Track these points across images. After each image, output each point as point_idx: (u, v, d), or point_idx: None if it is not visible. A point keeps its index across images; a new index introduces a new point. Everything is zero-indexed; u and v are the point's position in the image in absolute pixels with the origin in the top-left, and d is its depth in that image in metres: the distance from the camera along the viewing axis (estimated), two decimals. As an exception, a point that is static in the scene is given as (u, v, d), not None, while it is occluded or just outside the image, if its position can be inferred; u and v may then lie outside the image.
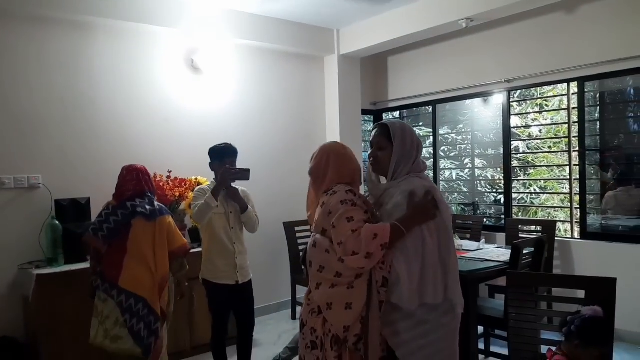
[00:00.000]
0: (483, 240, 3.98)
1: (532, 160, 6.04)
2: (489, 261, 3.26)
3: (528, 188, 5.86)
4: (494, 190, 5.65)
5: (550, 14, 4.22)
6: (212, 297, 3.11)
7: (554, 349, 1.96)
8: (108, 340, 2.69)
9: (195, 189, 3.18)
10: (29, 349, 3.34)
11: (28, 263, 3.47)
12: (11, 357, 3.28)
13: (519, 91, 4.95)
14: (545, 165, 5.82)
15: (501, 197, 4.96)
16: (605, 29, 3.93)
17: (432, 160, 5.44)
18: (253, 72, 4.82)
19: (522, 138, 5.30)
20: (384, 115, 5.98)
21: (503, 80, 4.57)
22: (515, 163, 5.09)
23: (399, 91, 5.65)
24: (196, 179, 4.15)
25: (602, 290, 2.06)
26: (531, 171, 5.81)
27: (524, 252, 3.19)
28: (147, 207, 2.82)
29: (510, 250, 3.12)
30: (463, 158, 5.91)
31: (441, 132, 5.57)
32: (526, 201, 6.12)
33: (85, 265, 3.39)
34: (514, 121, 4.93)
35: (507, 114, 4.71)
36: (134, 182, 2.87)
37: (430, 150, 5.51)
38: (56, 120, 3.73)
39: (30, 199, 3.58)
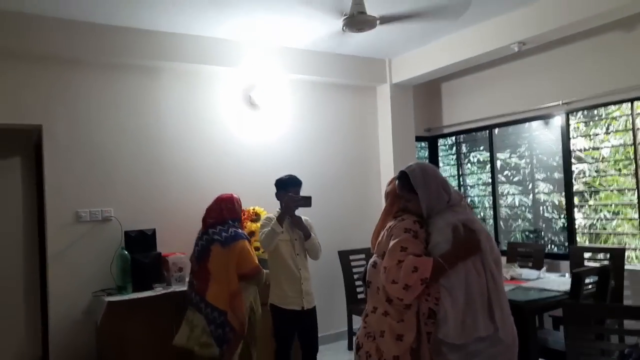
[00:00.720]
0: (544, 268, 3.84)
1: (600, 184, 5.75)
2: (548, 291, 3.15)
3: (598, 213, 5.57)
4: (562, 216, 5.42)
5: (607, 33, 4.09)
6: (279, 323, 3.24)
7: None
8: (198, 346, 3.12)
9: (263, 217, 3.41)
10: (100, 372, 3.57)
11: (101, 290, 3.73)
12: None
13: (579, 113, 4.79)
14: (614, 189, 5.52)
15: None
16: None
17: (490, 185, 5.32)
18: (307, 104, 4.99)
19: (587, 161, 5.08)
20: (440, 140, 5.95)
21: (561, 102, 4.45)
22: (580, 187, 4.89)
23: (453, 117, 5.62)
24: (254, 209, 4.32)
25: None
26: (601, 195, 5.53)
27: (587, 281, 3.06)
28: (223, 234, 3.21)
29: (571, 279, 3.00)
30: (528, 183, 5.71)
31: (502, 156, 5.46)
32: (597, 227, 5.81)
33: (151, 292, 3.63)
34: (579, 143, 4.76)
35: (566, 136, 4.56)
36: (216, 211, 3.31)
37: (489, 174, 5.40)
38: (127, 157, 4.03)
39: (103, 231, 3.88)
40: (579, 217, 4.87)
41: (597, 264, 3.97)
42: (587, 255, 4.27)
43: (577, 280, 2.90)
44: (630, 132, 4.17)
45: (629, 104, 4.10)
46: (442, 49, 4.68)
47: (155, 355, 3.51)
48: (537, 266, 4.16)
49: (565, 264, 4.39)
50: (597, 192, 5.43)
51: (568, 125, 4.56)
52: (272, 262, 3.30)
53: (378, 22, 3.29)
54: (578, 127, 4.58)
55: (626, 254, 4.23)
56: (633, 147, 4.13)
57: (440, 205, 1.97)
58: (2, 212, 4.67)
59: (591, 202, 5.08)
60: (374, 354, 1.92)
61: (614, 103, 4.26)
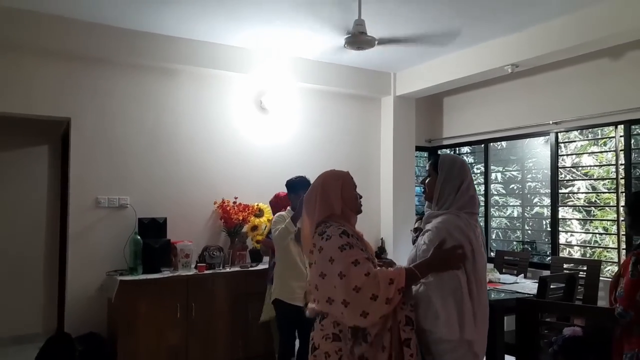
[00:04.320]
0: (522, 275, 4.12)
1: (589, 200, 5.99)
2: (520, 293, 3.44)
3: (595, 229, 5.79)
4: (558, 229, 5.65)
5: (595, 60, 4.37)
6: (285, 316, 3.41)
7: (547, 367, 2.17)
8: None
9: (275, 215, 3.61)
10: (109, 344, 3.92)
11: (114, 271, 4.09)
12: (94, 350, 3.87)
13: (573, 132, 5.05)
14: (598, 206, 5.75)
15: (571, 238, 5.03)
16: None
17: (483, 198, 5.60)
18: (314, 111, 5.33)
19: (578, 178, 5.34)
20: (439, 151, 6.25)
21: (551, 122, 4.73)
22: (577, 202, 5.16)
23: (453, 129, 5.92)
24: (258, 205, 4.67)
25: (602, 318, 2.24)
26: (596, 212, 5.75)
27: (555, 286, 3.34)
28: None
29: (541, 284, 3.28)
30: (531, 196, 5.95)
31: (507, 169, 5.73)
32: (591, 242, 6.04)
33: (159, 275, 3.99)
34: (572, 161, 5.03)
35: (555, 155, 4.84)
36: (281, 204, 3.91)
37: (483, 187, 5.68)
38: (144, 150, 4.41)
39: (119, 217, 4.25)
40: (577, 231, 5.13)
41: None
42: (567, 265, 4.53)
43: (542, 283, 3.19)
44: (614, 153, 4.43)
45: (614, 127, 4.37)
46: (443, 67, 5.00)
47: (160, 330, 3.87)
48: (521, 274, 4.43)
49: (547, 273, 4.65)
50: (588, 207, 5.67)
51: (557, 143, 4.84)
52: (281, 259, 3.48)
53: (376, 43, 3.61)
54: (562, 147, 4.84)
55: (607, 266, 4.49)
56: (615, 167, 4.38)
57: (451, 192, 2.02)
58: (29, 195, 5.10)
59: (579, 217, 5.33)
60: (334, 355, 1.87)
61: (600, 126, 4.54)
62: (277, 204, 4.00)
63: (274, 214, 3.82)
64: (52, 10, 3.85)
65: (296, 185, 3.57)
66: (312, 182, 3.57)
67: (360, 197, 2.19)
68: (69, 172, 4.15)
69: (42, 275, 5.12)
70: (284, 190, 3.79)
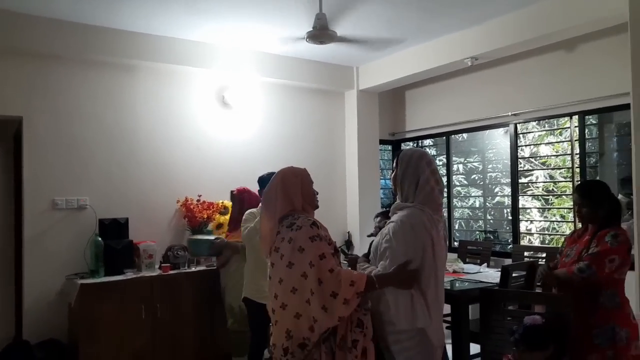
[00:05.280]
0: (485, 264, 4.22)
1: (553, 189, 6.19)
2: (483, 282, 3.51)
3: (553, 216, 5.98)
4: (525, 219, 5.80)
5: (551, 52, 4.50)
6: (255, 315, 3.37)
7: (510, 355, 2.23)
8: None
9: (246, 212, 3.57)
10: (70, 350, 3.80)
11: (74, 274, 3.96)
12: (55, 357, 3.75)
13: (531, 123, 5.18)
14: (556, 194, 5.96)
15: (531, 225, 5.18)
16: (604, 66, 4.17)
17: (446, 189, 5.69)
18: (278, 106, 5.29)
19: (536, 168, 5.50)
20: (402, 144, 6.32)
21: (510, 113, 4.85)
22: (536, 192, 5.31)
23: (416, 122, 5.99)
24: (222, 202, 4.60)
25: (560, 305, 2.31)
26: (554, 201, 5.94)
27: (517, 274, 3.44)
28: None
29: (504, 273, 3.37)
30: (492, 186, 6.10)
31: (469, 160, 5.83)
32: (549, 230, 6.25)
33: (122, 277, 3.88)
34: (530, 151, 5.17)
35: (514, 145, 4.97)
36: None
37: (445, 178, 5.78)
38: (103, 149, 4.28)
39: (78, 218, 4.11)
40: (537, 219, 5.28)
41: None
42: (527, 253, 4.67)
43: (505, 273, 3.27)
44: (570, 143, 4.57)
45: (569, 118, 4.51)
46: (404, 61, 5.05)
47: (124, 334, 3.78)
48: (484, 262, 4.54)
49: (509, 262, 4.78)
50: (546, 196, 5.86)
51: (516, 134, 4.96)
52: (250, 257, 3.46)
53: (337, 38, 3.61)
54: (526, 136, 4.97)
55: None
56: (570, 157, 4.53)
57: (410, 185, 2.10)
58: (-20, 198, 4.84)
59: (537, 205, 5.51)
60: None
61: (556, 117, 4.68)
62: (249, 199, 3.88)
63: (239, 209, 3.82)
64: (0, 4, 3.67)
65: (266, 181, 3.55)
66: None
67: (317, 193, 2.25)
68: (23, 174, 3.99)
69: (-3, 281, 4.90)
70: (249, 186, 3.76)
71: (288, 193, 2.10)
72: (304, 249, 1.94)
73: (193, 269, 4.22)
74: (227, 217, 4.59)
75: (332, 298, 1.88)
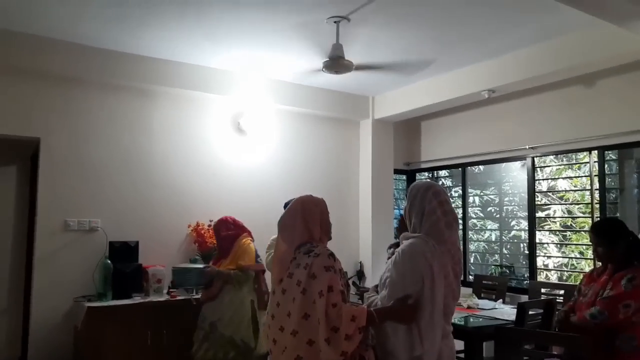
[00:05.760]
0: (500, 300, 4.09)
1: (565, 224, 6.05)
2: (498, 319, 3.40)
3: (571, 252, 5.82)
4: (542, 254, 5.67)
5: (570, 86, 4.45)
6: None
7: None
8: None
9: (271, 239, 3.64)
10: (75, 374, 3.75)
11: (82, 296, 3.93)
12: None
13: (549, 157, 5.10)
14: (574, 230, 5.82)
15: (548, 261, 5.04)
16: (623, 101, 4.11)
17: (461, 222, 5.60)
18: (292, 133, 5.29)
19: (554, 202, 5.39)
20: (417, 174, 6.26)
21: (527, 147, 4.78)
22: (550, 226, 5.19)
23: (431, 153, 5.94)
24: (234, 228, 4.56)
25: (578, 347, 2.21)
26: (572, 236, 5.81)
27: (534, 312, 3.32)
28: None
29: (520, 310, 3.25)
30: (509, 220, 5.98)
31: (485, 192, 5.75)
32: (568, 266, 6.08)
33: (129, 301, 3.84)
34: (545, 185, 5.07)
35: (531, 179, 4.88)
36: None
37: (461, 210, 5.69)
38: (117, 172, 4.30)
39: (89, 240, 4.11)
40: (554, 255, 5.14)
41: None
42: (544, 290, 4.53)
43: (521, 310, 3.16)
44: (589, 178, 4.48)
45: (588, 153, 4.43)
46: (420, 91, 5.04)
47: (129, 359, 3.71)
48: (500, 298, 4.41)
49: (525, 298, 4.64)
50: (564, 231, 5.72)
51: (534, 168, 4.88)
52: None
53: (354, 67, 3.62)
54: (544, 170, 4.89)
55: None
56: (590, 192, 4.43)
57: (417, 219, 2.12)
58: (-6, 216, 4.89)
59: (554, 240, 5.36)
60: None
61: (575, 151, 4.60)
62: (226, 229, 3.89)
63: (223, 242, 3.84)
64: (25, 28, 3.77)
65: None
66: None
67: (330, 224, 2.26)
68: (37, 194, 4.01)
69: (6, 300, 4.90)
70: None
71: (308, 222, 2.10)
72: (316, 276, 1.93)
73: (201, 296, 4.16)
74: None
75: (333, 332, 1.87)
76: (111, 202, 4.25)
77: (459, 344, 2.70)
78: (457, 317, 3.30)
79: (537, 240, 4.94)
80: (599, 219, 4.31)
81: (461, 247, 2.22)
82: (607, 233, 2.64)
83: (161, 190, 4.49)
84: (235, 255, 3.76)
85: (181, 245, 4.51)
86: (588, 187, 4.53)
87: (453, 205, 2.24)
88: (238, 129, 4.94)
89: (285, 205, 3.61)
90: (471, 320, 3.39)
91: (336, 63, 3.50)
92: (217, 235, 3.90)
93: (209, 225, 4.49)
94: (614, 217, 4.18)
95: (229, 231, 3.85)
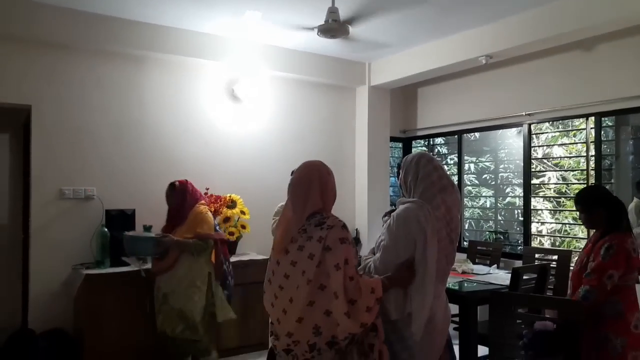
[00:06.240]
0: (495, 265, 4.14)
1: (559, 190, 6.10)
2: (492, 284, 3.45)
3: (565, 219, 5.88)
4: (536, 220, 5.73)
5: (568, 52, 4.40)
6: None
7: (518, 360, 2.17)
8: None
9: (278, 205, 3.57)
10: (75, 340, 3.79)
11: (80, 264, 3.95)
12: (60, 347, 3.74)
13: (545, 124, 5.09)
14: (568, 196, 5.87)
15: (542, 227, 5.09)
16: (622, 67, 4.07)
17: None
18: (288, 101, 5.24)
19: (549, 169, 5.42)
20: (413, 142, 6.25)
21: (524, 113, 4.76)
22: (545, 193, 5.23)
23: (427, 120, 5.91)
24: (230, 196, 4.57)
25: (572, 311, 2.25)
26: (566, 203, 5.86)
27: (528, 277, 3.37)
28: None
29: (513, 275, 3.30)
30: (504, 187, 5.99)
31: (481, 159, 5.75)
32: (561, 232, 6.16)
33: (127, 268, 3.86)
34: (543, 152, 5.09)
35: (527, 146, 4.87)
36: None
37: (457, 178, 5.71)
38: (109, 139, 4.25)
39: (85, 209, 4.10)
40: (548, 221, 5.20)
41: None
42: (538, 255, 4.58)
43: (515, 275, 3.20)
44: (585, 144, 4.48)
45: (585, 119, 4.42)
46: (417, 57, 4.97)
47: (128, 325, 3.76)
48: (494, 263, 4.46)
49: (519, 263, 4.70)
50: (558, 198, 5.77)
51: (530, 135, 4.87)
52: None
53: (350, 29, 3.54)
54: (539, 137, 4.88)
55: (577, 256, 4.54)
56: (586, 159, 4.44)
57: (411, 187, 2.21)
58: (-12, 186, 4.86)
59: (549, 207, 5.41)
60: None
61: (572, 117, 4.58)
62: (193, 192, 3.72)
63: (181, 202, 3.61)
64: (10, -9, 3.66)
65: None
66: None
67: None
68: (31, 162, 3.98)
69: (4, 269, 4.92)
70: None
71: (323, 191, 2.03)
72: (332, 249, 1.88)
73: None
74: (235, 210, 4.55)
75: (351, 305, 1.86)
76: (105, 170, 4.22)
77: (454, 308, 2.74)
78: (451, 282, 3.34)
79: (532, 207, 4.97)
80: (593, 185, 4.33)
81: (459, 212, 2.24)
82: (585, 199, 2.66)
83: (155, 158, 4.45)
84: (193, 223, 3.52)
85: (178, 213, 4.50)
86: (583, 153, 4.53)
87: (448, 173, 2.31)
88: (232, 96, 4.88)
89: (292, 172, 3.58)
90: (465, 285, 3.44)
91: (332, 27, 3.43)
92: (178, 198, 3.61)
93: (206, 194, 4.48)
94: (596, 184, 4.19)
95: (190, 197, 3.63)
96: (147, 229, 3.72)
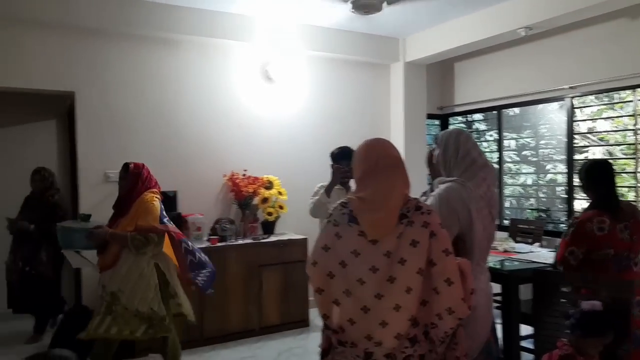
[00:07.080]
0: (537, 244, 4.07)
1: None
2: (535, 263, 3.40)
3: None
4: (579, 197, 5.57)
5: (613, 20, 4.20)
6: None
7: (565, 340, 2.14)
8: None
9: (317, 185, 3.46)
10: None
11: (126, 245, 4.09)
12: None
13: (588, 97, 4.90)
14: (617, 172, 5.66)
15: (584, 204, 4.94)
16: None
17: (497, 166, 5.51)
18: (322, 80, 5.21)
19: (593, 144, 5.22)
20: (450, 119, 6.13)
21: (566, 86, 4.59)
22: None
23: (465, 96, 5.79)
24: (267, 177, 4.63)
25: (621, 290, 2.20)
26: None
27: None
28: None
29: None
30: (545, 163, 5.82)
31: (522, 135, 5.61)
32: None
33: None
34: (588, 126, 4.89)
35: (570, 121, 4.72)
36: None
37: (497, 155, 5.59)
38: (149, 122, 4.37)
39: (129, 191, 4.22)
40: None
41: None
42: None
43: (559, 253, 3.14)
44: (632, 117, 4.30)
45: (632, 91, 4.23)
46: (453, 31, 4.85)
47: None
48: (536, 242, 4.39)
49: (561, 242, 4.60)
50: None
51: (573, 108, 4.71)
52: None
53: (384, 5, 3.48)
54: (583, 111, 4.71)
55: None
56: (634, 132, 4.27)
57: (447, 165, 2.18)
58: (39, 170, 5.03)
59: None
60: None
61: (618, 89, 4.39)
62: (148, 177, 3.20)
63: (132, 187, 3.08)
64: (52, -19, 3.75)
65: (337, 156, 3.47)
66: (351, 150, 3.16)
67: None
68: (77, 147, 4.12)
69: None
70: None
71: (406, 171, 1.82)
72: (436, 234, 1.71)
73: (240, 242, 4.29)
74: (272, 191, 4.60)
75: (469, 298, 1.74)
76: (146, 153, 4.30)
77: (496, 287, 2.72)
78: (493, 261, 3.31)
79: (575, 184, 4.83)
80: None
81: (497, 190, 2.22)
82: (582, 177, 2.74)
83: (192, 141, 4.54)
84: (136, 214, 2.97)
85: (218, 194, 4.61)
86: (630, 127, 4.36)
87: (487, 150, 2.27)
88: (266, 77, 4.89)
89: (331, 154, 3.48)
90: (506, 263, 3.40)
91: (365, 3, 3.37)
92: (128, 183, 3.08)
93: (244, 175, 4.55)
94: (597, 161, 3.85)
95: (142, 184, 3.10)
96: (85, 218, 3.18)
